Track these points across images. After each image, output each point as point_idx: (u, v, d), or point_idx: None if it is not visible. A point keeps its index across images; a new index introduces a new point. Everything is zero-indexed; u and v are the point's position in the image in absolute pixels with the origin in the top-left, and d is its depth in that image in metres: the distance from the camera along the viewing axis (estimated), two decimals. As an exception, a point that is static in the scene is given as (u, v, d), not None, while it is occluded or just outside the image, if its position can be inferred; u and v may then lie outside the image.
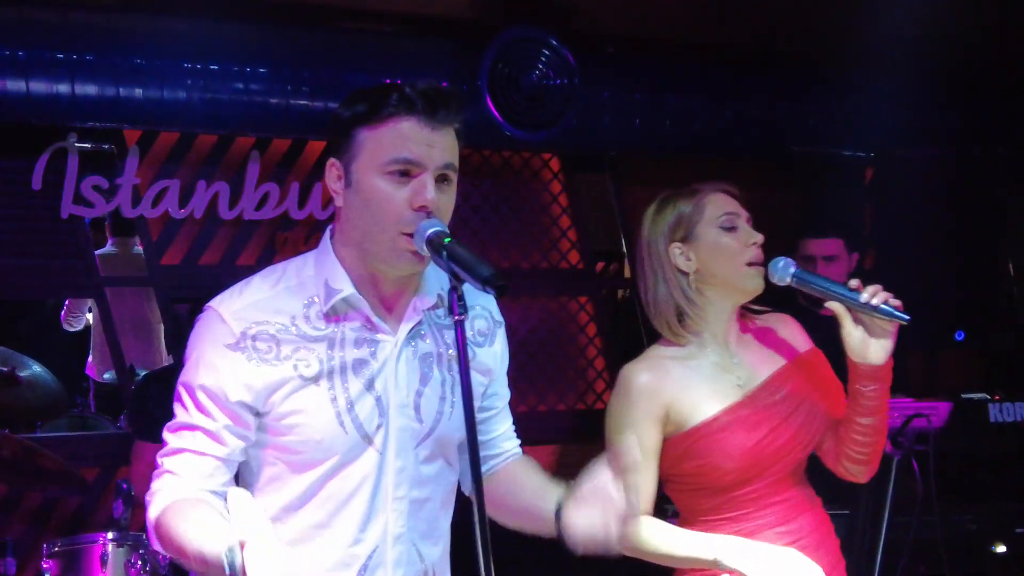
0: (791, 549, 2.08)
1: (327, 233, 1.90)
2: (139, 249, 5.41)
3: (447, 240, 1.79)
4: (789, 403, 2.21)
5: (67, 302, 5.68)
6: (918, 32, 4.31)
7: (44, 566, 3.43)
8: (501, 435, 2.07)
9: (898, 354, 4.09)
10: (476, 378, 1.91)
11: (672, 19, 4.54)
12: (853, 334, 2.12)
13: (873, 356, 2.14)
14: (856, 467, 2.25)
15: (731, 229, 2.21)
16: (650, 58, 4.75)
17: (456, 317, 1.74)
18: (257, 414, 1.83)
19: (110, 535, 3.42)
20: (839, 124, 4.99)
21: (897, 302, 2.12)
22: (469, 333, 1.93)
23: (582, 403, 5.37)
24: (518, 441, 2.10)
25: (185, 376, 1.86)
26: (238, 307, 1.84)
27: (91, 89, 3.90)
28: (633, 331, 5.58)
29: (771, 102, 4.89)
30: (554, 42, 4.38)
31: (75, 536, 3.62)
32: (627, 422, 2.19)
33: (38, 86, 3.85)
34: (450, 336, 1.92)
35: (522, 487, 2.00)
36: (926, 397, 4.06)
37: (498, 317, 2.02)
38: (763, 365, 2.24)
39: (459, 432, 1.89)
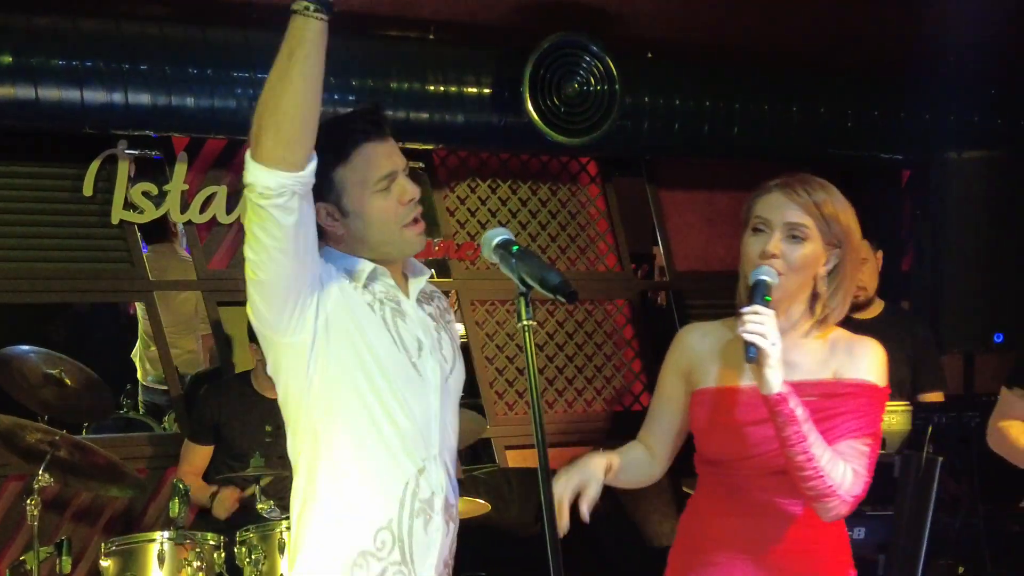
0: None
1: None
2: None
3: (515, 248, 1.87)
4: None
5: None
6: (965, 37, 4.32)
7: (102, 564, 3.51)
8: None
9: (933, 355, 4.14)
10: (455, 337, 2.28)
11: (710, 25, 4.58)
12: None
13: (758, 382, 2.08)
14: (810, 502, 2.16)
15: (755, 232, 2.20)
16: (689, 64, 4.79)
17: (523, 322, 1.82)
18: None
19: (167, 534, 3.50)
20: (879, 128, 5.00)
21: (751, 337, 2.02)
22: (441, 306, 2.28)
23: (619, 404, 5.43)
24: None
25: None
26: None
27: (144, 98, 3.97)
28: (669, 334, 5.63)
29: (809, 105, 4.92)
30: (594, 49, 4.43)
31: (133, 534, 3.70)
32: (663, 368, 2.35)
33: (92, 95, 3.92)
34: (438, 303, 2.29)
35: None
36: (965, 399, 4.10)
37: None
38: (800, 369, 2.19)
39: (458, 388, 2.24)
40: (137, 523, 4.57)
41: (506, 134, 4.54)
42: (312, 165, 1.98)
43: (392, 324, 2.12)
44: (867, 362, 2.21)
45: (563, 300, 1.80)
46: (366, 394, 2.07)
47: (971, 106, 5.02)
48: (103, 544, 3.57)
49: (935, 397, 3.97)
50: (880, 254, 4.06)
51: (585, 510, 2.12)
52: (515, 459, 5.14)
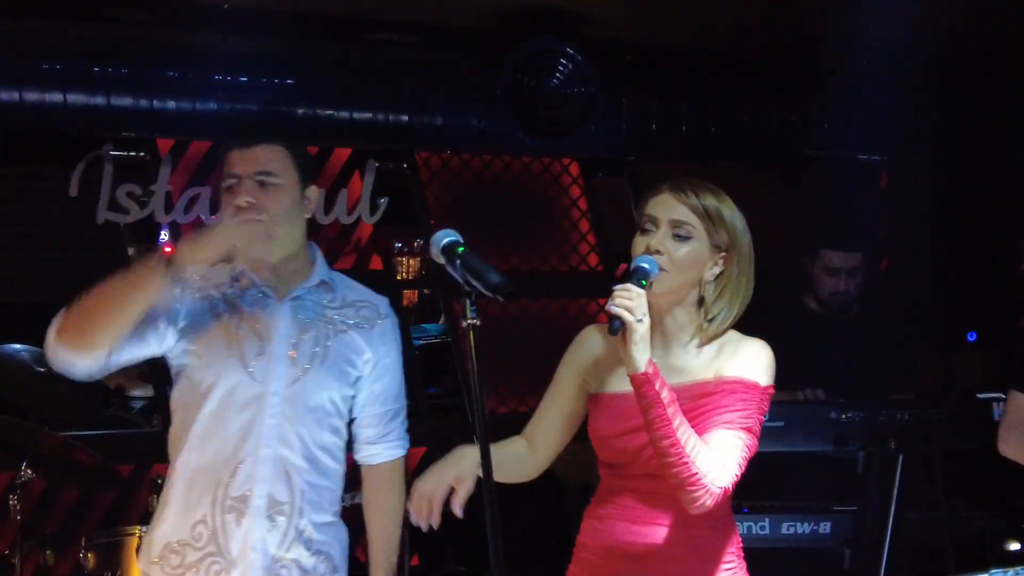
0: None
1: None
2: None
3: (460, 249, 1.93)
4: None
5: None
6: (933, 41, 4.36)
7: (82, 558, 3.57)
8: (367, 429, 2.53)
9: (908, 354, 4.19)
10: (348, 346, 2.43)
11: (688, 29, 4.62)
12: None
13: (624, 360, 2.04)
14: (676, 492, 2.08)
15: (644, 232, 2.20)
16: (667, 66, 4.84)
17: (466, 322, 1.88)
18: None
19: (146, 528, 3.54)
20: (852, 129, 5.05)
21: (617, 310, 1.99)
22: (356, 318, 2.45)
23: (602, 403, 5.47)
24: (389, 446, 2.56)
25: None
26: None
27: (126, 101, 4.03)
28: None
29: (785, 107, 4.96)
30: (572, 52, 4.47)
31: (112, 528, 3.76)
32: (560, 365, 2.36)
33: (75, 98, 3.98)
34: (331, 314, 2.46)
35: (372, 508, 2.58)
36: (941, 397, 4.14)
37: (384, 311, 2.53)
38: (686, 373, 2.18)
39: (316, 393, 2.39)
40: (123, 519, 4.62)
41: (485, 136, 4.59)
42: (103, 364, 2.30)
43: (234, 327, 2.35)
44: (748, 360, 2.17)
45: (501, 299, 1.86)
46: (191, 401, 2.32)
47: (948, 109, 5.06)
48: (83, 538, 3.62)
49: (903, 396, 4.01)
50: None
51: (459, 510, 2.10)
52: (497, 456, 5.18)
